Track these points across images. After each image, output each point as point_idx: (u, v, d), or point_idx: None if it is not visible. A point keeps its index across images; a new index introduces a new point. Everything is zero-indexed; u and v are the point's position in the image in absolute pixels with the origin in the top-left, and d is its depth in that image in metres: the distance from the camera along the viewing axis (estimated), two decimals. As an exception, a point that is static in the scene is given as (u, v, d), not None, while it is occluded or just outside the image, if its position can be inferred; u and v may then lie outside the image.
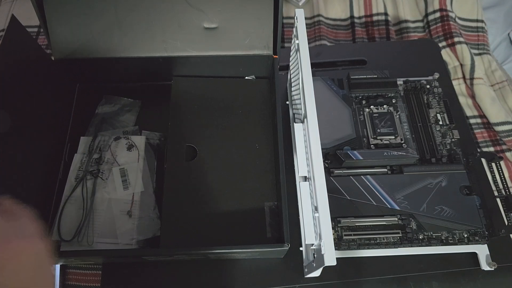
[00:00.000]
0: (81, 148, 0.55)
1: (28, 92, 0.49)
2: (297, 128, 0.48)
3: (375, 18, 0.77)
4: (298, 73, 0.48)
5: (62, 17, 0.53)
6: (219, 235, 0.49)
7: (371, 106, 0.58)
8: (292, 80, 0.57)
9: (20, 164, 0.47)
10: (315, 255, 0.43)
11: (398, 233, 0.50)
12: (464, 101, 0.67)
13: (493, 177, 0.54)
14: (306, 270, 0.48)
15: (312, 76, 0.44)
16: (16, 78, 0.47)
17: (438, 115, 0.59)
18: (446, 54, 0.71)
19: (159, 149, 0.57)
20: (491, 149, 0.62)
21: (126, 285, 0.51)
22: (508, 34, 0.83)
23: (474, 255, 0.51)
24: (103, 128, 0.58)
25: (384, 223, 0.50)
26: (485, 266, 0.50)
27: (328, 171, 0.54)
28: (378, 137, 0.56)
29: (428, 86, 0.61)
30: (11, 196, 0.31)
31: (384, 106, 0.59)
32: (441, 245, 0.50)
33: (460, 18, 0.76)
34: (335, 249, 0.44)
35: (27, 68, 0.49)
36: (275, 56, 0.55)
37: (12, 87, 0.46)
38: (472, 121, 0.65)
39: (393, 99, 0.59)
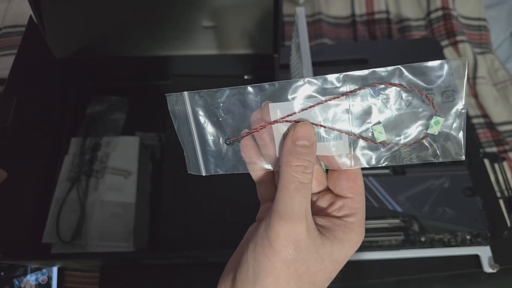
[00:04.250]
0: (72, 149, 0.54)
1: (31, 91, 0.49)
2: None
3: (376, 16, 0.76)
4: (299, 72, 0.47)
5: (59, 17, 0.52)
6: (218, 238, 0.48)
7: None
8: (293, 80, 0.56)
9: (19, 164, 0.46)
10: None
11: (400, 235, 0.49)
12: (467, 100, 0.66)
13: (496, 178, 0.54)
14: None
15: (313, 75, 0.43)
16: (25, 77, 0.47)
17: (440, 115, 0.58)
18: (448, 53, 0.70)
19: (154, 150, 0.57)
20: (494, 149, 0.62)
21: (124, 287, 0.50)
22: (511, 32, 0.82)
23: (476, 257, 0.50)
24: (93, 128, 0.57)
25: (386, 225, 0.50)
26: (487, 268, 0.49)
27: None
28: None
29: (430, 86, 0.60)
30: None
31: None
32: (443, 247, 0.49)
33: (462, 17, 0.75)
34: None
35: (35, 68, 0.50)
36: (275, 55, 0.54)
37: (20, 86, 0.45)
38: (474, 120, 0.64)
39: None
